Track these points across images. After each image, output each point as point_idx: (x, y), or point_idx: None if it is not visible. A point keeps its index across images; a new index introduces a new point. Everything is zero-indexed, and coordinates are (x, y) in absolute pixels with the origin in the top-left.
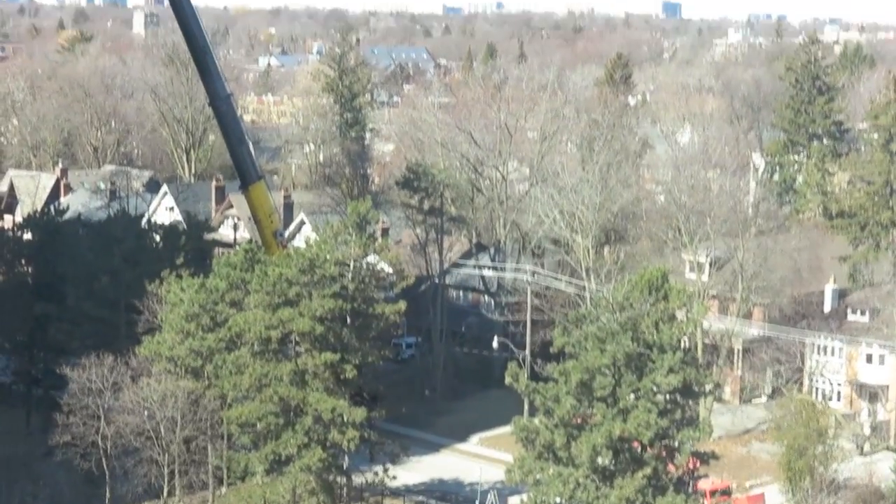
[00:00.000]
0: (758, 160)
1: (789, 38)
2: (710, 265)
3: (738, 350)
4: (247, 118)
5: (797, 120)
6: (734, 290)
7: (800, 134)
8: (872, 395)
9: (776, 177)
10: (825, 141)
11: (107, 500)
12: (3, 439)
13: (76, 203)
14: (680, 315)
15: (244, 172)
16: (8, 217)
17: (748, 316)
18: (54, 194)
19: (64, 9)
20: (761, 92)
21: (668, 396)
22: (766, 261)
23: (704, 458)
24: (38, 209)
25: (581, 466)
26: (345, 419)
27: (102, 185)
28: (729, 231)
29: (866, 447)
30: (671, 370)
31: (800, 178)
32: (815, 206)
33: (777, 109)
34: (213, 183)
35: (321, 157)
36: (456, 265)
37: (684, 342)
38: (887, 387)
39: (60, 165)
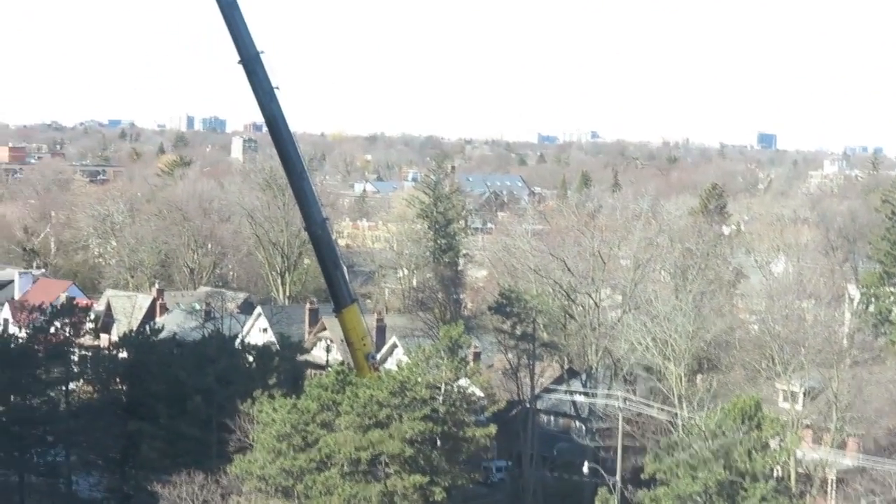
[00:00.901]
0: (853, 291)
1: (886, 171)
2: (804, 395)
3: (832, 480)
4: (341, 242)
5: (893, 251)
6: (828, 420)
7: None
8: None
9: (872, 308)
10: None
11: None
12: None
13: (171, 323)
14: (773, 444)
15: (338, 295)
16: (104, 336)
17: (842, 446)
18: (150, 314)
19: (164, 133)
20: (857, 223)
21: None
22: (861, 392)
23: None
24: (134, 328)
25: None
26: None
27: (198, 306)
28: (823, 361)
29: None
30: (763, 499)
31: (895, 310)
32: None
33: (873, 241)
34: (307, 305)
35: (414, 282)
36: (547, 390)
37: (777, 471)
38: None
39: (157, 286)
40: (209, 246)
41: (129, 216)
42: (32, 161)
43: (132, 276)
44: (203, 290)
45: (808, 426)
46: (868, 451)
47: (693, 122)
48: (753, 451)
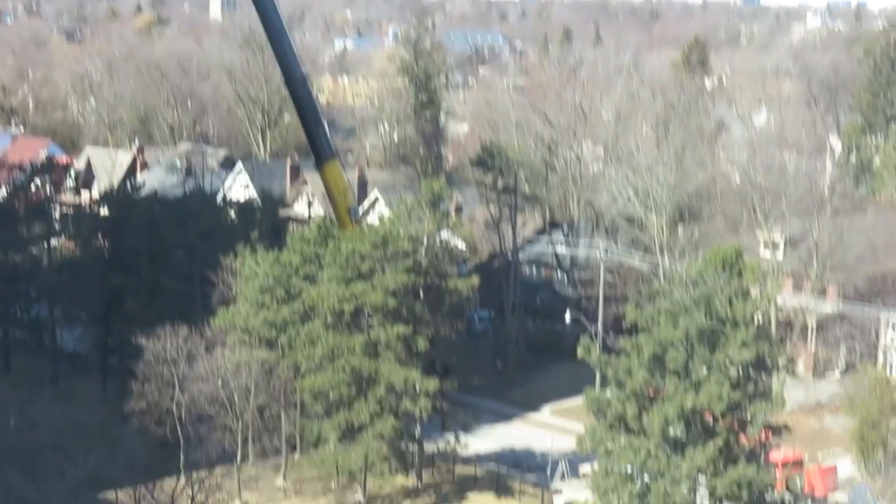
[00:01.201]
0: (834, 142)
1: (868, 24)
2: (785, 244)
3: (812, 326)
4: (322, 99)
5: (875, 103)
6: (809, 268)
7: (877, 116)
8: None
9: (853, 158)
10: None
11: (181, 465)
12: (80, 407)
13: (152, 180)
14: (754, 292)
15: (319, 151)
16: (85, 193)
17: (823, 293)
18: (131, 171)
19: None
20: (839, 76)
21: (740, 370)
22: (842, 240)
23: (777, 430)
24: (115, 186)
25: (652, 437)
26: (417, 389)
27: (178, 163)
28: (804, 211)
29: None
30: (744, 344)
31: (877, 160)
32: (891, 186)
33: (855, 93)
34: (288, 161)
35: (395, 137)
36: (529, 242)
37: (758, 318)
38: None
39: (137, 143)
40: (189, 104)
41: (107, 75)
42: (7, 21)
43: (112, 134)
44: (184, 146)
45: (788, 274)
46: (848, 297)
47: None
48: (734, 299)
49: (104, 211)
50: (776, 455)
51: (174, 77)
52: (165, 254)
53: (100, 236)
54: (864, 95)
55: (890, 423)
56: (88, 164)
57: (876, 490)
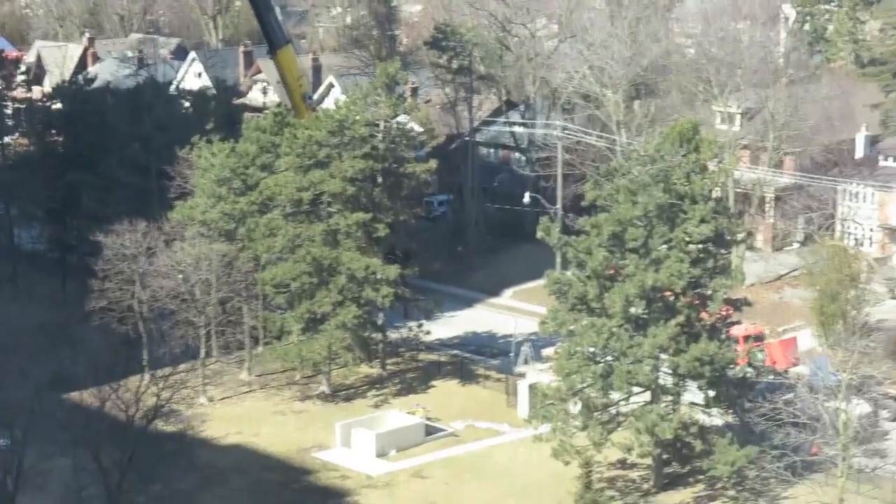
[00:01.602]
0: (788, 10)
1: None
2: (741, 116)
3: (770, 199)
4: None
5: None
6: (765, 139)
7: None
8: None
9: (807, 27)
10: None
11: (145, 362)
12: (41, 306)
13: (104, 72)
14: (711, 166)
15: (271, 37)
16: (36, 88)
17: (780, 165)
18: (82, 64)
19: None
20: None
21: (700, 246)
22: (798, 110)
23: (737, 305)
24: (67, 79)
25: (614, 316)
26: (378, 277)
27: (130, 54)
28: (759, 82)
29: None
30: (703, 220)
31: (831, 28)
32: (846, 54)
33: None
34: (241, 48)
35: (348, 20)
36: (486, 123)
37: (716, 192)
38: None
39: (87, 35)
40: None
41: None
42: None
43: (61, 26)
44: (134, 37)
45: (745, 146)
46: (804, 168)
47: None
48: (692, 174)
49: (57, 105)
50: (737, 330)
51: None
52: (120, 147)
53: (53, 132)
54: None
55: (849, 294)
56: (39, 58)
57: (836, 361)
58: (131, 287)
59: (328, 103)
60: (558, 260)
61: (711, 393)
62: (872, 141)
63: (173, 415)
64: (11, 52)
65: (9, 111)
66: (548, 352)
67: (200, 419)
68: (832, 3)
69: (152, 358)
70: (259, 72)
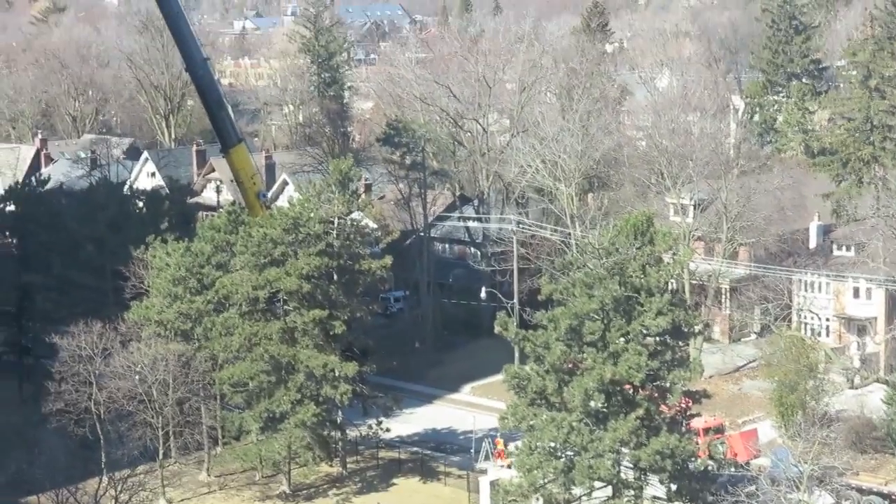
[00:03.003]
0: (737, 102)
1: None
2: (695, 207)
3: (726, 290)
4: (224, 82)
5: (775, 60)
6: (719, 230)
7: (778, 74)
8: (861, 328)
9: (756, 118)
10: (804, 80)
11: (103, 465)
12: None
13: (57, 173)
14: (666, 258)
15: (224, 136)
16: None
17: (734, 256)
18: (35, 165)
19: None
20: (738, 34)
21: (657, 338)
22: (750, 200)
23: (696, 397)
24: (20, 181)
25: (574, 410)
26: (336, 374)
27: (83, 154)
28: (711, 173)
29: (856, 380)
30: (660, 312)
31: (780, 118)
32: (796, 144)
33: (754, 51)
34: (194, 147)
35: (300, 118)
36: (440, 218)
37: (672, 284)
38: (875, 319)
39: (40, 136)
40: (90, 93)
41: (5, 66)
42: None
43: (14, 128)
44: (87, 137)
45: (699, 238)
46: (759, 259)
47: None
48: (647, 266)
49: (10, 207)
50: (697, 422)
51: (74, 66)
52: (75, 248)
53: (7, 234)
54: (763, 53)
55: (807, 384)
56: None
57: (797, 452)
58: (88, 389)
59: (282, 201)
60: (516, 354)
61: (674, 486)
62: (825, 230)
63: None
64: None
65: None
66: (509, 447)
67: None
68: (781, 94)
69: (110, 460)
70: (212, 170)
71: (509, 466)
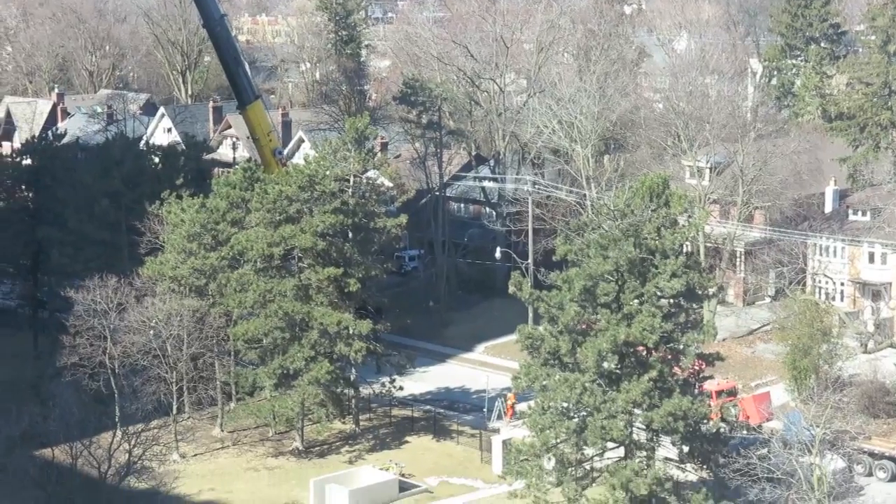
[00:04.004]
0: (755, 65)
1: None
2: (711, 170)
3: (741, 253)
4: (241, 39)
5: (794, 24)
6: (735, 194)
7: (797, 38)
8: (875, 293)
9: (774, 81)
10: (822, 44)
11: (116, 419)
12: (12, 362)
13: (74, 128)
14: (682, 220)
15: (241, 92)
16: (6, 144)
17: (750, 219)
18: (51, 120)
19: None
20: None
21: (671, 300)
22: (766, 164)
23: (709, 359)
24: (36, 135)
25: (587, 371)
26: (350, 332)
27: (99, 109)
28: (728, 136)
29: (870, 345)
30: (674, 274)
31: (798, 82)
32: (813, 109)
33: (773, 14)
34: (211, 104)
35: (317, 76)
36: (456, 178)
37: (687, 247)
38: (889, 284)
39: (56, 91)
40: (107, 48)
41: (22, 20)
42: None
43: (31, 82)
44: (104, 92)
45: (715, 201)
46: (774, 222)
47: None
48: (662, 228)
49: (26, 161)
50: (710, 385)
51: (91, 21)
52: (90, 203)
53: (23, 187)
54: (782, 17)
55: (820, 349)
56: (8, 114)
57: (809, 416)
58: (102, 343)
59: (298, 158)
60: (530, 315)
61: (685, 448)
62: (841, 195)
63: (146, 472)
64: None
65: None
66: (521, 407)
67: (173, 476)
68: (799, 58)
69: (124, 414)
70: (229, 127)
71: (518, 418)
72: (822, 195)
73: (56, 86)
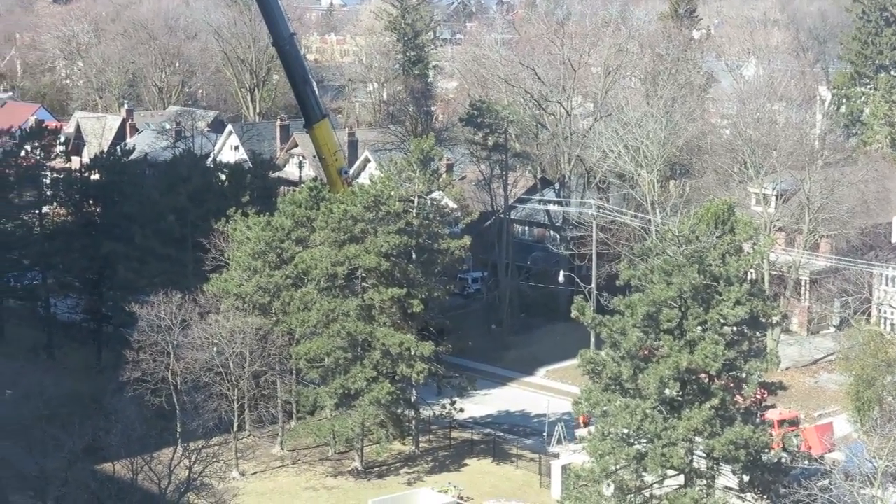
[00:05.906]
0: (824, 93)
1: None
2: (777, 197)
3: (806, 282)
4: (310, 58)
5: (864, 52)
6: (801, 222)
7: (867, 66)
8: None
9: (843, 109)
10: (892, 72)
11: (178, 435)
12: (76, 376)
13: (142, 143)
14: (746, 247)
15: (308, 111)
16: (75, 158)
17: (815, 248)
18: (120, 135)
19: None
20: (827, 24)
21: (735, 328)
22: (833, 193)
23: (772, 388)
24: (105, 150)
25: (648, 398)
26: (412, 353)
27: (168, 126)
28: (795, 164)
29: None
30: (738, 302)
31: (867, 110)
32: (882, 137)
33: (843, 41)
34: (278, 122)
35: (385, 96)
36: (521, 200)
37: (751, 275)
38: None
39: (126, 106)
40: (177, 64)
41: (94, 36)
42: None
43: (101, 97)
44: (172, 109)
45: (780, 229)
46: (840, 251)
47: None
48: (727, 255)
49: (95, 176)
50: (772, 414)
51: (161, 38)
52: (156, 218)
53: (91, 202)
54: (852, 44)
55: (885, 380)
56: (78, 129)
57: (872, 448)
58: (165, 359)
59: (363, 178)
60: (592, 339)
61: (746, 477)
62: None
63: (205, 488)
64: (51, 123)
65: (48, 181)
66: (581, 432)
67: (232, 493)
68: (868, 86)
69: (185, 430)
70: (295, 145)
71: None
72: (889, 225)
73: (125, 101)
